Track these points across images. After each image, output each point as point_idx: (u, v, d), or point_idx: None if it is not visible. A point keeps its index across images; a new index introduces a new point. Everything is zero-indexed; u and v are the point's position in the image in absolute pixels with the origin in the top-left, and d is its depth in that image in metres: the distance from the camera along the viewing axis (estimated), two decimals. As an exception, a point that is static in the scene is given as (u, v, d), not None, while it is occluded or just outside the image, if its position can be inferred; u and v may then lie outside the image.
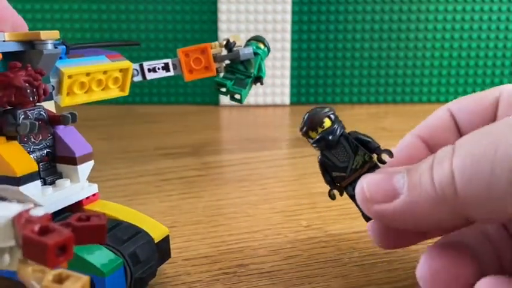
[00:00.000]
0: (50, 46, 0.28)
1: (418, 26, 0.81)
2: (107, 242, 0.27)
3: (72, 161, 0.30)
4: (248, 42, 0.38)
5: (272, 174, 0.51)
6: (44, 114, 0.29)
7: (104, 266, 0.26)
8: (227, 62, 0.38)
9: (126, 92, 0.34)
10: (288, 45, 0.81)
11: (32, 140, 0.29)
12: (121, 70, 0.33)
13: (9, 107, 0.27)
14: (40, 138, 0.29)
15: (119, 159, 0.56)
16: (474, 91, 0.84)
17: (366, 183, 0.26)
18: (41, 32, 0.28)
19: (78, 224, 0.18)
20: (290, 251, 0.36)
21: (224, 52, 0.37)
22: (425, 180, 0.23)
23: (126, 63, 0.33)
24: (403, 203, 0.24)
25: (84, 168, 0.31)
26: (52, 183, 0.30)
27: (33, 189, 0.27)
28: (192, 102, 0.84)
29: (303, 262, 0.34)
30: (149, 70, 0.35)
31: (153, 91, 0.84)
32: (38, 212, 0.18)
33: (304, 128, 0.29)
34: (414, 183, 0.23)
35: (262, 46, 0.38)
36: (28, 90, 0.27)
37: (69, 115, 0.30)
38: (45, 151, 0.30)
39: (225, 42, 0.36)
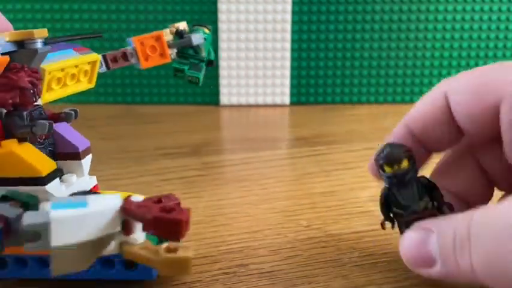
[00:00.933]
0: (40, 44, 0.29)
1: (418, 26, 0.81)
2: None
3: (76, 156, 0.31)
4: (194, 28, 0.39)
5: (272, 174, 0.51)
6: (43, 113, 0.30)
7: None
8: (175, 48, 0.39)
9: (93, 84, 0.34)
10: (288, 45, 0.81)
11: (37, 139, 0.29)
12: (89, 63, 0.34)
13: (11, 109, 0.28)
14: (44, 137, 0.30)
15: (119, 159, 0.56)
16: (474, 91, 0.84)
17: (406, 248, 0.27)
18: (34, 30, 0.28)
19: (159, 215, 0.20)
20: (290, 251, 0.36)
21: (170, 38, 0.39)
22: (451, 263, 0.24)
23: (94, 56, 0.34)
24: (440, 272, 0.25)
25: (87, 162, 0.32)
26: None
27: (55, 186, 0.28)
28: (192, 102, 0.84)
29: (303, 262, 0.34)
30: (111, 60, 0.35)
31: (153, 91, 0.84)
32: (139, 198, 0.21)
33: (381, 161, 0.29)
34: (445, 257, 0.24)
35: (207, 31, 0.40)
36: (31, 91, 0.27)
37: (73, 112, 0.30)
38: (47, 149, 0.30)
39: (174, 30, 0.38)
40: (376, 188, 0.46)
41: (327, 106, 0.83)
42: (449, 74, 0.83)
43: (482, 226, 0.22)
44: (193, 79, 0.39)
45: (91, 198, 0.21)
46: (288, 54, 0.81)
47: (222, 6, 0.79)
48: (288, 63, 0.82)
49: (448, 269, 0.24)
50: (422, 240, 0.26)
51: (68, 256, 0.20)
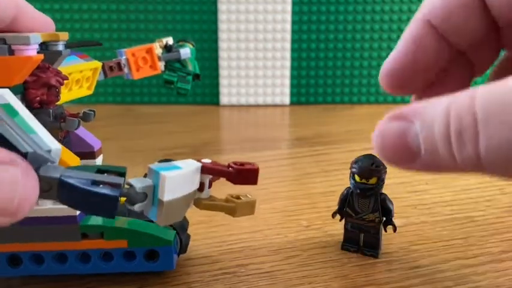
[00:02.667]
0: (61, 47, 0.30)
1: (418, 26, 0.81)
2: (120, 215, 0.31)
3: (92, 155, 0.33)
4: (179, 44, 0.42)
5: (272, 174, 0.51)
6: (63, 112, 0.30)
7: (168, 237, 0.31)
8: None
9: (92, 91, 0.35)
10: (288, 45, 0.81)
11: (59, 138, 0.30)
12: (91, 69, 0.35)
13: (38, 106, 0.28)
14: (63, 135, 0.31)
15: (119, 160, 0.56)
16: (474, 91, 0.84)
17: (381, 148, 0.23)
18: (59, 33, 0.29)
19: (238, 167, 0.25)
20: (290, 251, 0.36)
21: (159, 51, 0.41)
22: (444, 153, 0.20)
23: (96, 63, 0.35)
24: (425, 164, 0.21)
25: (99, 162, 0.34)
26: None
27: None
28: (192, 102, 0.84)
29: (303, 262, 0.34)
30: (108, 69, 0.37)
31: (153, 91, 0.84)
32: (208, 160, 0.25)
33: (354, 170, 0.34)
34: (431, 150, 0.20)
35: (191, 46, 0.42)
36: (57, 90, 0.28)
37: (92, 112, 0.31)
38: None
39: (163, 44, 0.40)
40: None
41: (327, 106, 0.83)
42: (449, 74, 0.83)
43: (492, 106, 0.18)
44: (182, 91, 0.42)
45: (179, 162, 0.25)
46: (288, 54, 0.81)
47: (222, 6, 0.79)
48: (288, 63, 0.82)
49: (436, 160, 0.20)
50: (401, 131, 0.22)
51: (172, 209, 0.24)
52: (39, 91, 0.28)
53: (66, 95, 0.33)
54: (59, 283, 0.32)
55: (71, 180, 0.21)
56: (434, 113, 0.20)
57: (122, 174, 0.23)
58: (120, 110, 0.81)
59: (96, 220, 0.31)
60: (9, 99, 0.23)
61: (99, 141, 0.34)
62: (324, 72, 0.83)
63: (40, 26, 0.29)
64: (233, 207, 0.26)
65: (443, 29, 0.24)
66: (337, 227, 0.38)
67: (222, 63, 0.81)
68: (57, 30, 0.30)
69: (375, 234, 0.35)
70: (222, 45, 0.80)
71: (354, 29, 0.81)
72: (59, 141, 0.30)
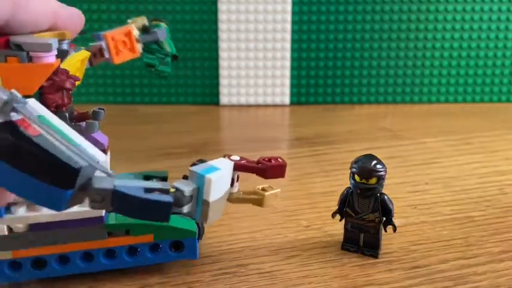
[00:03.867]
0: (66, 46, 0.29)
1: (418, 26, 0.81)
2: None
3: (103, 152, 0.32)
4: (153, 24, 0.40)
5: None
6: (74, 112, 0.30)
7: (192, 228, 0.33)
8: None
9: (80, 81, 0.34)
10: (288, 45, 0.81)
11: None
12: (82, 59, 0.34)
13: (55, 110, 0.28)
14: None
15: (119, 160, 0.56)
16: (474, 91, 0.84)
17: None
18: (65, 32, 0.28)
19: (269, 164, 0.28)
20: (290, 251, 0.36)
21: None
22: None
23: (85, 52, 0.34)
24: None
25: (109, 156, 0.34)
26: None
27: None
28: (192, 102, 0.84)
29: (303, 262, 0.34)
30: (93, 56, 0.35)
31: (153, 91, 0.84)
32: (237, 157, 0.28)
33: (354, 170, 0.34)
34: None
35: (165, 25, 0.40)
36: (71, 92, 0.28)
37: (102, 110, 0.31)
38: None
39: (140, 25, 0.38)
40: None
41: (327, 106, 0.83)
42: (449, 74, 0.83)
43: None
44: (164, 73, 0.41)
45: (215, 162, 0.26)
46: (288, 54, 0.81)
47: (222, 6, 0.79)
48: (288, 63, 0.82)
49: None
50: None
51: (216, 208, 0.25)
52: (56, 95, 0.27)
53: None
54: (59, 283, 0.32)
55: (125, 190, 0.22)
56: None
57: (164, 178, 0.25)
58: (120, 110, 0.81)
59: (121, 218, 0.32)
60: (40, 110, 0.22)
61: (106, 137, 0.34)
62: (324, 72, 0.83)
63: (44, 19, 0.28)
64: (261, 199, 0.28)
65: None
66: (337, 227, 0.38)
67: (222, 63, 0.81)
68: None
69: (375, 234, 0.35)
70: (222, 45, 0.80)
71: (354, 29, 0.81)
72: None
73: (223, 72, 0.82)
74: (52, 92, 0.27)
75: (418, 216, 0.41)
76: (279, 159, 0.28)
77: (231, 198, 0.28)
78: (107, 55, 0.36)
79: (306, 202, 0.44)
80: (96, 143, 0.32)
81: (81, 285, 0.32)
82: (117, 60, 0.36)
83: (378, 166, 0.33)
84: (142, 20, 0.38)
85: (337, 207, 0.36)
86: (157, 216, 0.23)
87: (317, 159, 0.56)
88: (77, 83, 0.33)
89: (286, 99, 0.83)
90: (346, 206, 0.35)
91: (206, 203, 0.25)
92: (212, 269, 0.34)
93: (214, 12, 0.80)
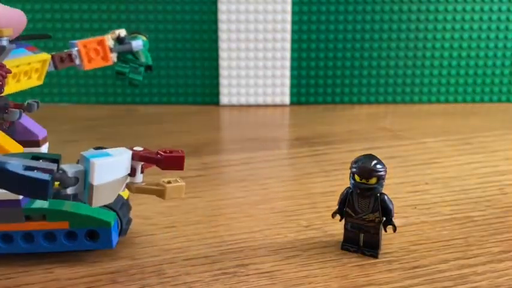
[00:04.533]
0: (5, 42, 0.31)
1: (418, 26, 0.81)
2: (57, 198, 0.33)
3: (36, 143, 0.34)
4: (132, 36, 0.43)
5: (272, 174, 0.51)
6: (8, 103, 0.32)
7: (108, 218, 0.33)
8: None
9: (42, 81, 0.37)
10: (288, 45, 0.81)
11: (3, 127, 0.32)
12: (40, 61, 0.36)
13: None
14: (8, 125, 0.32)
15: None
16: (474, 91, 0.84)
17: None
18: (2, 29, 0.30)
19: (166, 155, 0.28)
20: (290, 251, 0.36)
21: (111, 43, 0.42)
22: None
23: (45, 55, 0.36)
24: None
25: (44, 150, 0.35)
26: None
27: None
28: (192, 102, 0.84)
29: (303, 262, 0.34)
30: (59, 60, 0.38)
31: (153, 91, 0.84)
32: (139, 148, 0.28)
33: (354, 170, 0.34)
34: None
35: (145, 38, 0.43)
36: (1, 83, 0.29)
37: (35, 103, 0.32)
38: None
39: (116, 36, 0.41)
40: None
41: (327, 106, 0.83)
42: (449, 74, 0.83)
43: None
44: (134, 81, 0.44)
45: (110, 150, 0.27)
46: (288, 54, 0.81)
47: (222, 6, 0.79)
48: (288, 63, 0.82)
49: None
50: None
51: (103, 192, 0.26)
52: None
53: (15, 85, 0.34)
54: (60, 282, 0.32)
55: (5, 166, 0.23)
56: None
57: (55, 160, 0.25)
58: (120, 110, 0.81)
59: (38, 203, 0.33)
60: None
61: (44, 130, 0.35)
62: (324, 72, 0.83)
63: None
64: (162, 191, 0.28)
65: None
66: (337, 227, 0.38)
67: (222, 63, 0.81)
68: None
69: (374, 234, 0.35)
70: (222, 45, 0.80)
71: (354, 29, 0.81)
72: (3, 130, 0.31)
73: (223, 72, 0.82)
74: None
75: (418, 216, 0.41)
76: (179, 151, 0.28)
77: (131, 187, 0.28)
78: (77, 61, 0.38)
79: (306, 202, 0.44)
80: (26, 132, 0.33)
81: (81, 285, 0.32)
82: (89, 66, 0.39)
83: (378, 166, 0.33)
84: (119, 32, 0.41)
85: (337, 207, 0.36)
86: (36, 193, 0.24)
87: (317, 159, 0.56)
88: (39, 82, 0.36)
89: (286, 99, 0.83)
90: (346, 206, 0.35)
91: (91, 186, 0.26)
92: (212, 269, 0.34)
93: (214, 12, 0.80)
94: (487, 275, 0.33)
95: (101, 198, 0.26)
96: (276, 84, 0.82)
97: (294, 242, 0.37)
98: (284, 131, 0.72)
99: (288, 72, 0.82)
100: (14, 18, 0.32)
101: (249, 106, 0.82)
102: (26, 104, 0.32)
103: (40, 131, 0.35)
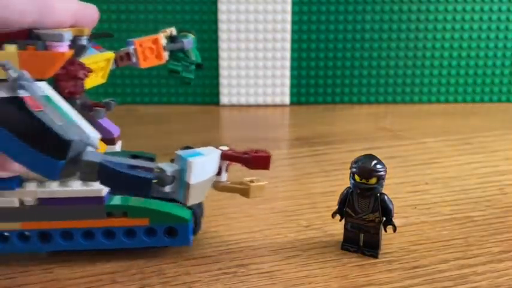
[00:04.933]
0: (85, 41, 0.32)
1: (418, 26, 0.81)
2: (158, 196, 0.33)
3: (111, 141, 0.35)
4: (182, 34, 0.43)
5: (272, 174, 0.51)
6: (87, 102, 0.33)
7: (186, 216, 0.34)
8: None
9: (106, 79, 0.37)
10: (288, 45, 0.81)
11: None
12: (106, 60, 0.36)
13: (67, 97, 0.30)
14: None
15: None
16: (474, 91, 0.84)
17: None
18: (84, 28, 0.31)
19: (254, 155, 0.28)
20: (290, 251, 0.36)
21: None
22: None
23: (110, 54, 0.36)
24: None
25: (118, 147, 0.36)
26: None
27: None
28: (192, 102, 0.84)
29: (303, 262, 0.34)
30: (119, 59, 0.38)
31: (153, 91, 0.84)
32: (225, 147, 0.29)
33: (354, 170, 0.34)
34: None
35: (192, 36, 0.43)
36: (83, 82, 0.31)
37: (113, 101, 0.33)
38: None
39: (168, 34, 0.42)
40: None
41: (327, 106, 0.83)
42: (449, 74, 0.83)
43: None
44: (186, 80, 0.44)
45: (201, 149, 0.28)
46: (288, 54, 0.81)
47: (222, 6, 0.79)
48: (288, 63, 0.82)
49: None
50: None
51: (197, 190, 0.27)
52: (68, 83, 0.30)
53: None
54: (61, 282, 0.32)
55: (110, 165, 0.24)
56: None
57: (152, 159, 0.27)
58: (120, 110, 0.81)
59: (120, 200, 0.34)
60: (47, 91, 0.26)
61: (118, 128, 0.36)
62: (324, 72, 0.83)
63: (70, 18, 0.31)
64: (247, 190, 0.29)
65: None
66: (337, 227, 0.38)
67: (222, 63, 0.81)
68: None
69: (374, 234, 0.35)
70: (222, 45, 0.80)
71: (354, 29, 0.81)
72: None
73: (223, 72, 0.82)
74: (65, 80, 0.30)
75: (418, 216, 0.41)
76: (265, 151, 0.29)
77: (217, 186, 0.29)
78: (133, 59, 0.39)
79: (306, 202, 0.44)
80: (103, 131, 0.34)
81: (81, 285, 0.32)
82: (144, 65, 0.39)
83: (378, 166, 0.33)
84: (171, 30, 0.41)
85: (337, 207, 0.36)
86: (137, 191, 0.25)
87: (317, 159, 0.56)
88: (102, 81, 0.37)
89: (286, 99, 0.83)
90: (346, 206, 0.35)
91: (187, 185, 0.26)
92: (212, 269, 0.34)
93: (214, 12, 0.80)
94: (487, 275, 0.33)
95: (195, 197, 0.27)
96: (276, 84, 0.82)
97: (294, 242, 0.37)
98: (284, 131, 0.72)
99: (288, 72, 0.82)
100: (90, 15, 0.33)
101: (249, 106, 0.82)
102: (103, 102, 0.33)
103: (115, 129, 0.36)
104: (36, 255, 0.35)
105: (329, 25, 0.81)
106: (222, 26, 0.80)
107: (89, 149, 0.25)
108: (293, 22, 0.81)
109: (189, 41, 0.42)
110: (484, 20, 0.80)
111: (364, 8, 0.80)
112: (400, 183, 0.48)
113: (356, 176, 0.34)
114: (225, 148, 0.29)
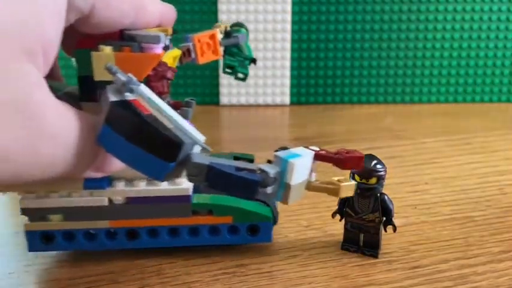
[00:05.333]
0: (168, 41, 0.32)
1: (418, 26, 0.81)
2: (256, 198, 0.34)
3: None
4: (234, 28, 0.42)
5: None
6: (169, 101, 0.33)
7: (268, 213, 0.35)
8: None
9: (173, 78, 0.37)
10: (288, 45, 0.81)
11: None
12: (174, 57, 0.36)
13: None
14: None
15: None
16: (474, 91, 0.84)
17: None
18: (168, 28, 0.32)
19: (347, 155, 0.28)
20: (290, 251, 0.36)
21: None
22: None
23: (177, 51, 0.36)
24: None
25: (197, 149, 0.37)
26: None
27: None
28: (192, 102, 0.84)
29: (303, 262, 0.34)
30: (183, 55, 0.38)
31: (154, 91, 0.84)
32: (316, 148, 0.29)
33: (354, 170, 0.33)
34: None
35: (245, 30, 0.43)
36: (170, 82, 0.31)
37: (193, 101, 0.33)
38: None
39: (223, 29, 0.41)
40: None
41: (327, 106, 0.83)
42: (449, 74, 0.83)
43: None
44: (242, 75, 0.44)
45: (296, 150, 0.28)
46: (288, 54, 0.81)
47: (222, 6, 0.79)
48: (288, 63, 0.82)
49: None
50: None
51: (296, 191, 0.27)
52: (158, 84, 0.30)
53: None
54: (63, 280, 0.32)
55: (219, 166, 0.25)
56: None
57: (251, 160, 0.28)
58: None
59: (205, 198, 0.34)
60: (150, 94, 0.26)
61: (194, 125, 0.36)
62: (324, 72, 0.83)
63: (155, 19, 0.31)
64: (337, 189, 0.29)
65: None
66: (337, 227, 0.38)
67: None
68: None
69: (374, 234, 0.35)
70: (222, 45, 0.80)
71: (354, 29, 0.81)
72: None
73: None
74: (156, 80, 0.30)
75: (418, 216, 0.41)
76: (356, 151, 0.29)
77: (308, 186, 0.29)
78: (193, 55, 0.38)
79: (306, 202, 0.44)
80: None
81: (81, 285, 0.32)
82: (202, 60, 0.39)
83: (378, 166, 0.33)
84: (225, 25, 0.41)
85: (337, 207, 0.36)
86: (244, 192, 0.26)
87: (317, 159, 0.56)
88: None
89: (286, 99, 0.83)
90: (346, 206, 0.35)
91: (288, 186, 0.27)
92: (212, 269, 0.34)
93: (214, 12, 0.80)
94: (487, 275, 0.33)
95: (294, 197, 0.28)
96: (276, 84, 0.82)
97: (294, 242, 0.37)
98: (284, 131, 0.72)
99: (288, 72, 0.82)
100: (172, 15, 0.33)
101: (249, 106, 0.82)
102: (185, 101, 0.33)
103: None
104: (37, 255, 0.35)
105: (329, 25, 0.81)
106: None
107: (196, 150, 0.26)
108: (293, 22, 0.81)
109: (243, 36, 0.41)
110: (484, 20, 0.80)
111: (364, 8, 0.80)
112: (400, 183, 0.48)
113: (356, 176, 0.34)
114: (315, 148, 0.29)
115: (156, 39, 0.29)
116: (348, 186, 0.29)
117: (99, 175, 0.28)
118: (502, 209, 0.43)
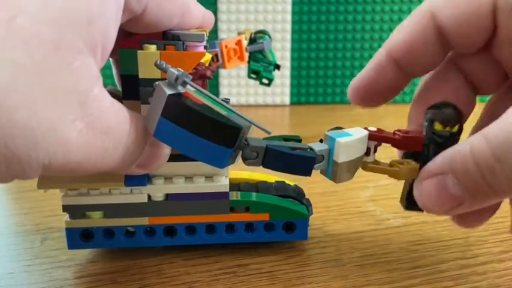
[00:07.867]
0: (205, 42, 0.32)
1: (418, 26, 0.81)
2: (290, 195, 0.36)
3: None
4: (259, 35, 0.44)
5: (272, 174, 0.51)
6: None
7: (304, 211, 0.35)
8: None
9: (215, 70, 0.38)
10: (288, 45, 0.81)
11: None
12: (205, 61, 0.37)
13: None
14: None
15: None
16: (474, 91, 0.84)
17: (428, 201, 0.26)
18: (206, 30, 0.32)
19: (404, 135, 0.28)
20: (290, 251, 0.36)
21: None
22: (483, 191, 0.24)
23: (208, 55, 0.36)
24: (469, 205, 0.25)
25: None
26: None
27: None
28: (192, 102, 0.84)
29: (303, 262, 0.34)
30: (212, 60, 0.39)
31: (153, 91, 0.84)
32: (373, 128, 0.29)
33: (438, 117, 0.27)
34: (475, 189, 0.24)
35: (268, 37, 0.44)
36: (207, 81, 0.32)
37: (228, 99, 0.33)
38: None
39: (248, 36, 0.42)
40: (375, 188, 0.46)
41: (327, 106, 0.83)
42: (449, 74, 0.83)
43: (504, 144, 0.22)
44: (267, 80, 0.44)
45: (349, 130, 0.28)
46: (288, 54, 0.81)
47: (222, 6, 0.79)
48: (288, 63, 0.82)
49: (479, 198, 0.24)
50: (440, 186, 0.25)
51: (345, 170, 0.28)
52: (198, 82, 0.31)
53: None
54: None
55: (276, 148, 0.27)
56: (462, 162, 0.24)
57: (299, 141, 0.29)
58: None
59: (243, 196, 0.35)
60: (197, 86, 0.27)
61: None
62: (324, 72, 0.83)
63: (197, 22, 0.31)
64: (397, 171, 0.28)
65: (402, 62, 0.29)
66: (338, 227, 0.38)
67: (222, 63, 0.81)
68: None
69: None
70: (222, 45, 0.80)
71: (353, 29, 0.81)
72: None
73: (223, 72, 0.82)
74: (196, 79, 0.31)
75: (418, 216, 0.41)
76: (417, 132, 0.28)
77: (366, 166, 0.29)
78: (220, 60, 0.39)
79: (306, 202, 0.44)
80: None
81: (81, 285, 0.32)
82: (228, 66, 0.40)
83: (459, 111, 0.28)
84: (250, 32, 0.42)
85: (405, 201, 0.31)
86: (301, 170, 0.27)
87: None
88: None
89: (286, 99, 0.83)
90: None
91: (335, 164, 0.28)
92: (212, 269, 0.34)
93: (214, 12, 0.80)
94: (487, 275, 0.33)
95: (343, 176, 0.28)
96: (276, 84, 0.82)
97: (294, 242, 0.37)
98: (284, 131, 0.72)
99: (288, 72, 0.82)
100: (211, 17, 0.33)
101: (249, 106, 0.82)
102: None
103: None
104: (37, 254, 0.35)
105: (329, 25, 0.81)
106: (222, 26, 0.80)
107: (250, 135, 0.27)
108: (293, 22, 0.81)
109: (267, 42, 0.42)
110: (484, 20, 0.80)
111: (364, 8, 0.80)
112: (400, 182, 0.48)
113: (437, 125, 0.27)
114: (373, 129, 0.29)
115: (200, 38, 0.30)
116: (410, 169, 0.28)
117: (141, 172, 0.28)
118: (502, 209, 0.43)
